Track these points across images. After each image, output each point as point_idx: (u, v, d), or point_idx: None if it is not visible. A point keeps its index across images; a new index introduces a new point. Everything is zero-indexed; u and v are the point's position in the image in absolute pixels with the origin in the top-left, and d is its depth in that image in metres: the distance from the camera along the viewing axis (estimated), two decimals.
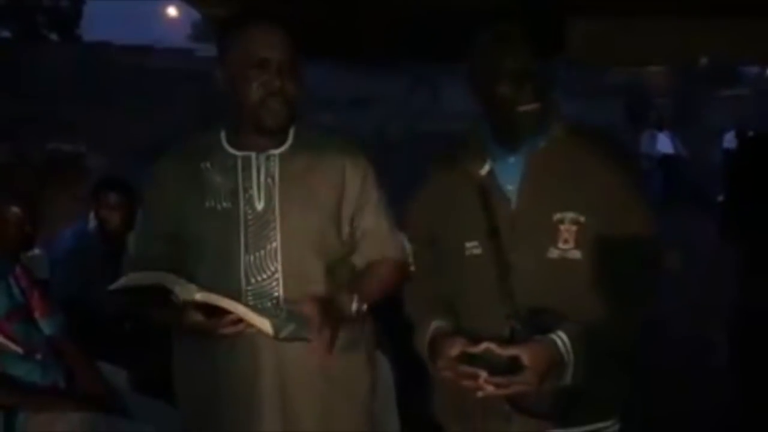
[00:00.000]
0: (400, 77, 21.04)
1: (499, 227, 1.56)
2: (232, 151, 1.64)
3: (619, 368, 1.60)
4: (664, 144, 11.78)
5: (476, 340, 1.48)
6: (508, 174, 1.59)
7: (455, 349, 1.48)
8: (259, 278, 1.58)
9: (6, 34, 25.55)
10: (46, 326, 2.27)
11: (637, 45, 3.14)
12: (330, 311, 1.55)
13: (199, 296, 1.50)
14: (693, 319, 3.23)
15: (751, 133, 8.16)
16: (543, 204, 1.55)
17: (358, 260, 1.71)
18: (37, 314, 2.26)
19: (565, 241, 1.53)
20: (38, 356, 2.19)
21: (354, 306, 1.62)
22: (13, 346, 2.14)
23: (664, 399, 3.32)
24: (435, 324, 1.60)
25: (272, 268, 1.58)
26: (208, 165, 1.63)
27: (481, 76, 1.58)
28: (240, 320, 1.51)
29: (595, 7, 3.06)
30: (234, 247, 1.58)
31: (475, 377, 1.44)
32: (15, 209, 2.30)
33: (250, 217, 1.59)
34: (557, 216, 1.53)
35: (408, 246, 1.76)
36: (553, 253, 1.53)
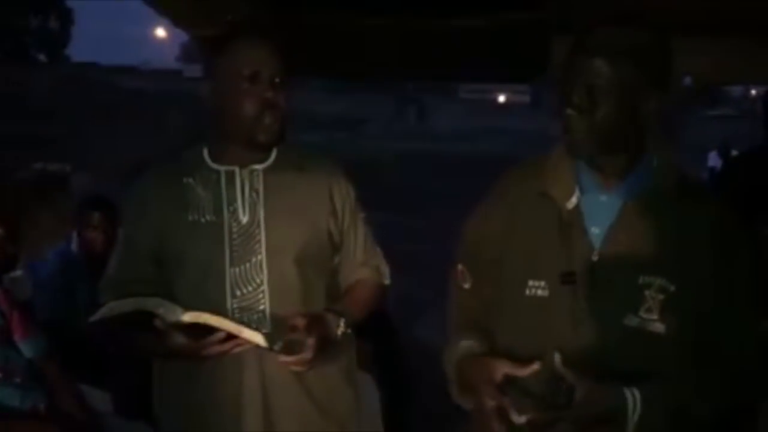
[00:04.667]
0: (388, 98, 21.22)
1: (575, 274, 1.34)
2: (214, 165, 1.63)
3: None
4: None
5: (522, 362, 1.30)
6: (598, 214, 1.36)
7: (498, 372, 1.30)
8: (244, 291, 1.57)
9: None
10: (27, 349, 2.22)
11: None
12: (318, 328, 1.55)
13: (187, 317, 1.47)
14: None
15: (734, 152, 8.25)
16: (630, 261, 1.32)
17: (341, 282, 1.73)
18: (17, 337, 2.22)
19: (648, 310, 1.31)
20: (17, 380, 2.14)
21: (340, 329, 1.62)
22: None
23: None
24: (464, 344, 1.44)
25: (258, 281, 1.57)
26: (191, 180, 1.62)
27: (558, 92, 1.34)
28: (226, 339, 1.49)
29: (581, 24, 3.08)
30: (219, 260, 1.57)
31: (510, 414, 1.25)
32: None
33: (234, 230, 1.58)
34: (644, 279, 1.31)
35: (386, 268, 1.79)
36: (632, 321, 1.31)
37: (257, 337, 1.49)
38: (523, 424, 1.25)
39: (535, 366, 1.27)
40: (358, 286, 1.73)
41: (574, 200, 1.37)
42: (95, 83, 19.39)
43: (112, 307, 1.52)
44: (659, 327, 1.30)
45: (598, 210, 1.36)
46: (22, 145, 11.71)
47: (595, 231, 1.35)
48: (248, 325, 1.53)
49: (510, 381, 1.31)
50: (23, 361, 2.20)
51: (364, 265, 1.74)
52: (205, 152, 1.65)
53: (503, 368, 1.31)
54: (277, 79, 1.57)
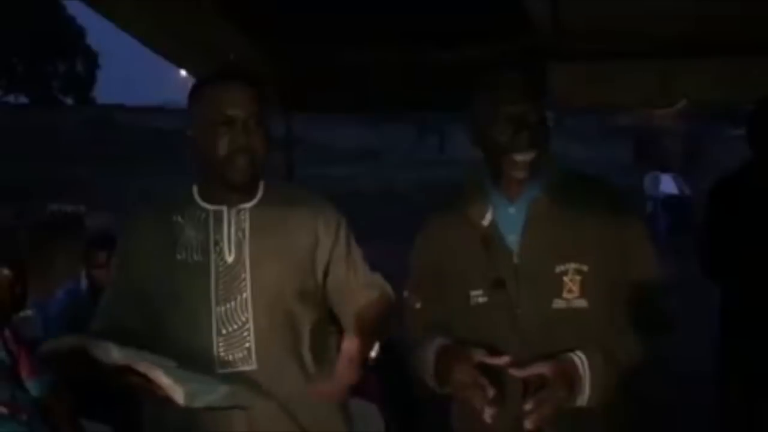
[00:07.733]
0: (406, 127, 21.30)
1: (504, 278, 1.56)
2: (204, 205, 1.67)
3: (626, 401, 1.59)
4: (667, 185, 11.78)
5: (495, 352, 1.48)
6: (510, 224, 1.59)
7: (475, 356, 1.47)
8: (230, 329, 1.60)
9: (24, 100, 26.24)
10: (33, 387, 2.27)
11: (617, 88, 3.19)
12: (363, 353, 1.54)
13: (119, 357, 1.42)
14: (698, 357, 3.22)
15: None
16: (545, 256, 1.55)
17: (349, 308, 1.71)
18: (24, 375, 2.27)
19: (570, 291, 1.54)
20: (24, 417, 2.19)
21: (373, 353, 1.65)
22: None
23: None
24: (439, 341, 1.58)
25: (243, 319, 1.60)
26: (180, 218, 1.66)
27: (478, 122, 1.60)
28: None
29: (576, 51, 3.12)
30: (204, 298, 1.60)
31: (487, 395, 1.43)
32: (5, 271, 2.33)
33: (221, 269, 1.61)
34: (560, 268, 1.54)
35: (390, 289, 1.78)
36: (559, 304, 1.54)
37: (177, 392, 1.39)
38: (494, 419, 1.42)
39: (506, 358, 1.46)
40: (371, 306, 1.70)
41: (489, 216, 1.61)
42: (119, 124, 19.78)
43: (50, 344, 1.54)
44: (582, 303, 1.54)
45: (510, 220, 1.60)
46: (46, 186, 11.95)
47: (512, 238, 1.59)
48: (193, 376, 1.45)
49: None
50: (29, 399, 2.24)
51: (369, 287, 1.74)
52: (195, 191, 1.69)
53: (478, 355, 1.48)
54: (252, 123, 1.60)
